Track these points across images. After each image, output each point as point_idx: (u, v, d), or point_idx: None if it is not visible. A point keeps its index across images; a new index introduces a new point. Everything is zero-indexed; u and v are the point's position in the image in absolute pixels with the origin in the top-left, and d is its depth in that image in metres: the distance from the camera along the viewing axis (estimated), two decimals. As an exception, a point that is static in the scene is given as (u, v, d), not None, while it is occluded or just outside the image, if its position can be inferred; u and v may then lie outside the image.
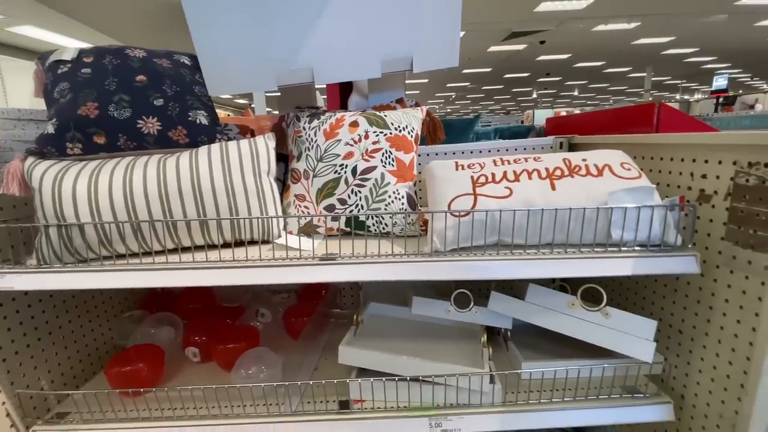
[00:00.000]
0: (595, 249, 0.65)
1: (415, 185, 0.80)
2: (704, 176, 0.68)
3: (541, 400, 0.72)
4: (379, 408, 0.74)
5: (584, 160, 0.70)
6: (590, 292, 0.75)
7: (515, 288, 0.84)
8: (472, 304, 0.86)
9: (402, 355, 0.75)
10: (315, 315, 1.00)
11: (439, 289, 0.91)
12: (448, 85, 12.11)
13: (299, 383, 0.77)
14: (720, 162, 0.65)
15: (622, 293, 0.94)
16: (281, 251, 0.70)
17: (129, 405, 0.77)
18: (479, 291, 0.89)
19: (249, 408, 0.76)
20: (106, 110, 0.72)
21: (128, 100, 0.73)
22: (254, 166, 0.74)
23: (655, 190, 0.64)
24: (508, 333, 0.89)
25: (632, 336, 0.71)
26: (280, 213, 0.77)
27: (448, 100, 15.36)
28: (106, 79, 0.75)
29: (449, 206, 0.66)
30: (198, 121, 0.76)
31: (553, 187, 0.65)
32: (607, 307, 0.73)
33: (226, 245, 0.74)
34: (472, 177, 0.69)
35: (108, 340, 1.02)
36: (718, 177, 0.66)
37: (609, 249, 0.65)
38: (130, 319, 1.04)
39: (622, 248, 0.65)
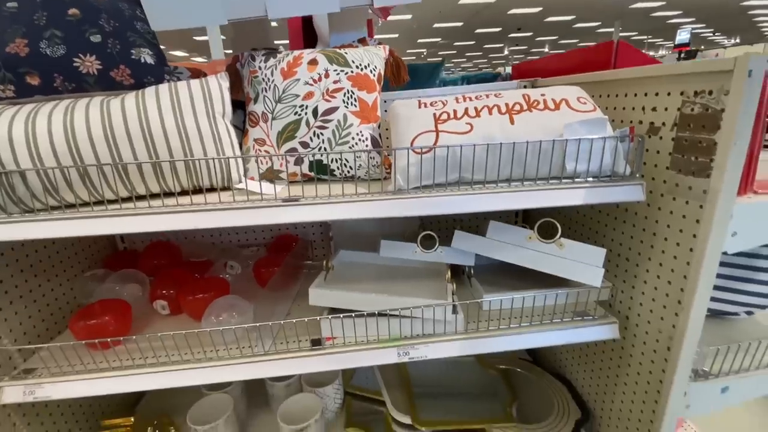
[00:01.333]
0: (550, 181, 0.68)
1: (379, 127, 0.80)
2: (654, 109, 0.71)
3: (500, 327, 0.77)
4: (349, 343, 0.77)
5: (543, 95, 0.71)
6: (546, 226, 0.78)
7: (480, 229, 0.87)
8: (437, 244, 0.89)
9: (370, 293, 0.78)
10: (286, 266, 1.00)
11: (408, 237, 0.93)
12: (419, 40, 11.73)
13: (270, 324, 0.78)
14: (669, 94, 0.67)
15: (575, 226, 1.00)
16: (243, 196, 0.69)
17: (98, 358, 0.77)
18: (447, 237, 0.91)
19: (222, 352, 0.78)
20: (38, 47, 0.66)
21: (61, 36, 0.67)
22: (207, 108, 0.71)
23: (607, 121, 0.66)
24: (471, 271, 0.93)
25: (583, 264, 0.76)
26: (239, 155, 0.74)
27: (419, 57, 14.94)
28: (34, 13, 0.68)
29: (412, 143, 0.66)
30: (143, 60, 0.71)
31: (512, 122, 0.66)
32: (561, 239, 0.77)
33: (183, 193, 0.71)
34: (434, 114, 0.69)
35: (71, 299, 1.00)
36: (666, 109, 0.69)
37: (563, 181, 0.68)
38: (93, 277, 1.01)
39: (576, 179, 0.67)
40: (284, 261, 0.98)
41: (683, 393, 0.72)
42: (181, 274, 0.96)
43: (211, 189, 0.74)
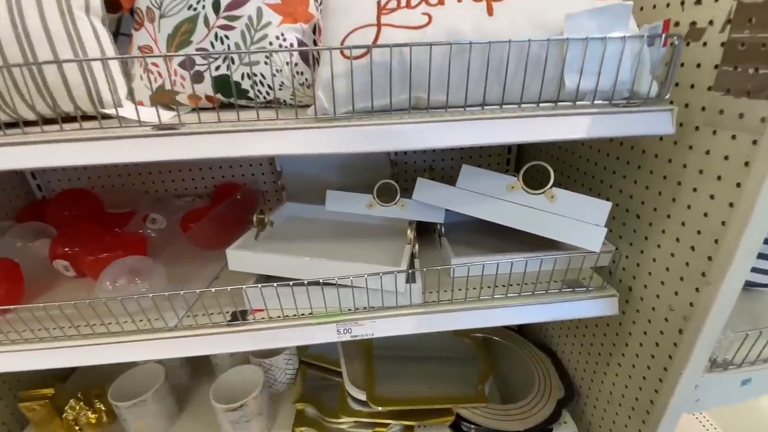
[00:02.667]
0: (541, 105, 0.47)
1: (315, 31, 0.58)
2: (698, 1, 0.49)
3: (467, 299, 0.61)
4: (278, 317, 0.61)
5: (540, -24, 0.48)
6: (534, 172, 0.59)
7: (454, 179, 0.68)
8: (398, 196, 0.71)
9: (303, 257, 0.60)
10: (217, 219, 0.83)
11: (382, 191, 0.73)
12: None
13: (182, 293, 0.62)
14: (726, -27, 0.45)
15: (569, 171, 0.81)
16: (115, 124, 0.49)
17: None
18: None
19: (119, 325, 0.62)
20: None
21: None
22: (60, 0, 0.49)
23: (630, 10, 0.44)
24: (442, 229, 0.75)
25: (580, 222, 0.58)
26: (115, 70, 0.54)
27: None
28: None
29: (342, 43, 0.45)
30: None
31: (491, 12, 0.45)
32: (553, 189, 0.58)
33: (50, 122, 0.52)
34: (378, 2, 0.47)
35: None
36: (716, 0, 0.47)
37: (559, 105, 0.47)
38: (-9, 231, 0.84)
39: (578, 102, 0.47)
40: (213, 213, 0.80)
41: (693, 386, 0.57)
42: (87, 228, 0.78)
43: (85, 117, 0.54)
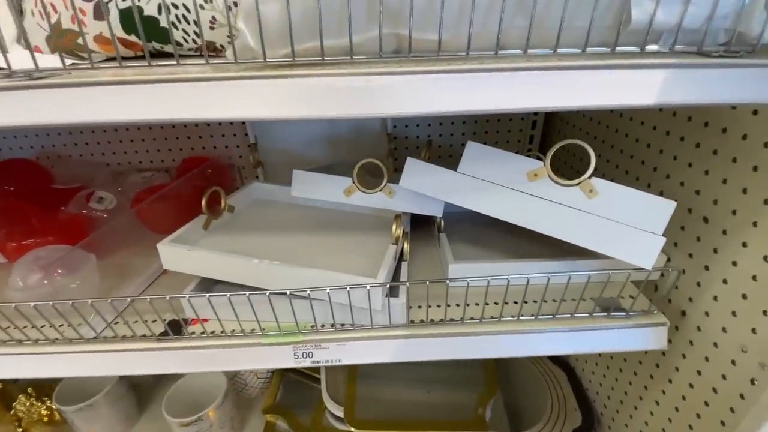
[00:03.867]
0: (588, 51, 0.31)
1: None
2: None
3: (464, 320, 0.46)
4: (218, 334, 0.48)
5: None
6: (567, 155, 0.43)
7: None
8: (384, 180, 0.55)
9: (250, 259, 0.46)
10: (182, 198, 0.69)
11: (366, 173, 0.58)
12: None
13: (110, 301, 0.49)
14: None
15: (611, 156, 0.63)
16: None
17: None
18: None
19: (38, 331, 0.50)
20: None
21: None
22: None
23: None
24: (442, 223, 0.60)
25: (630, 228, 0.42)
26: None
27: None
28: None
29: (277, -51, 0.29)
30: None
31: None
32: (593, 179, 0.42)
33: None
34: None
35: None
36: None
37: (618, 52, 0.30)
38: None
39: (647, 48, 0.30)
40: (167, 190, 0.66)
41: (769, 455, 0.42)
42: (16, 207, 0.66)
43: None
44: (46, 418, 0.80)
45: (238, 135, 0.86)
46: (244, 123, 0.82)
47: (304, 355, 0.47)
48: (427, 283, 0.43)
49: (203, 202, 0.56)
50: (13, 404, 0.79)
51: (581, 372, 0.79)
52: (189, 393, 0.73)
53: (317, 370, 0.81)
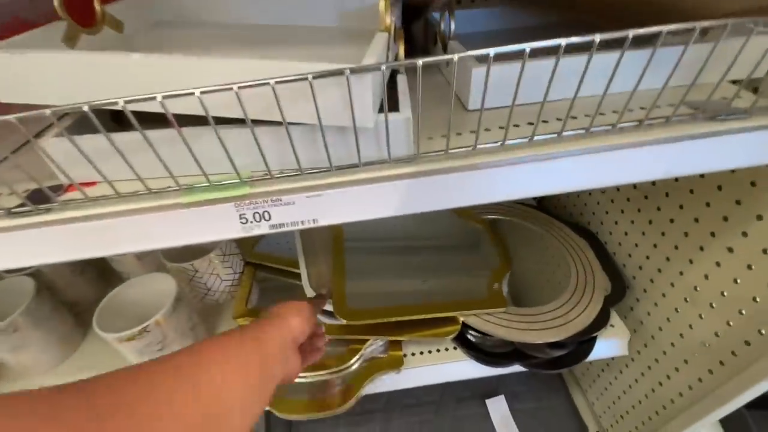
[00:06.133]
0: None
1: None
2: None
3: (487, 143, 0.29)
4: (109, 199, 0.29)
5: None
6: None
7: None
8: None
9: (131, 54, 0.26)
10: None
11: None
12: None
13: None
14: None
15: None
16: None
17: None
18: None
19: None
20: None
21: None
22: None
23: None
24: (452, 24, 0.39)
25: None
26: None
27: None
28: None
29: None
30: None
31: None
32: None
33: None
34: None
35: None
36: None
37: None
38: None
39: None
40: None
41: None
42: None
43: None
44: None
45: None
46: None
47: (256, 218, 0.30)
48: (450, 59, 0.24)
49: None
50: None
51: (608, 236, 0.68)
52: (134, 305, 0.58)
53: (294, 264, 0.67)
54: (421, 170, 0.29)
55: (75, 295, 0.68)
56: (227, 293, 0.69)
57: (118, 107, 0.24)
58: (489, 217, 0.75)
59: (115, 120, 0.32)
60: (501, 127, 0.32)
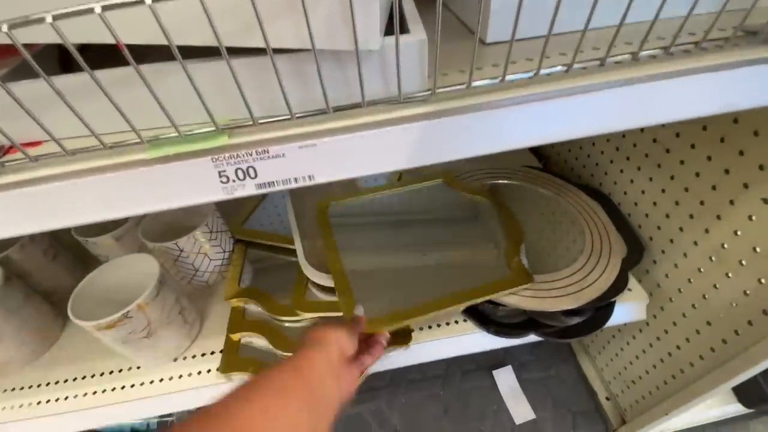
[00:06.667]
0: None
1: None
2: None
3: (516, 74, 0.24)
4: (59, 154, 0.24)
5: None
6: None
7: None
8: None
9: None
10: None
11: None
12: None
13: None
14: None
15: None
16: None
17: None
18: None
19: None
20: None
21: None
22: None
23: None
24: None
25: None
26: None
27: None
28: None
29: None
30: None
31: None
32: None
33: None
34: None
35: None
36: None
37: None
38: None
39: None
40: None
41: None
42: None
43: None
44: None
45: None
46: None
47: (240, 175, 0.24)
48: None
49: None
50: None
51: (622, 197, 0.64)
52: (115, 291, 0.53)
53: (288, 241, 0.62)
54: (439, 110, 0.24)
55: (50, 282, 0.62)
56: (217, 273, 0.64)
57: (47, 22, 0.18)
58: (493, 182, 0.71)
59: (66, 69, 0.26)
60: (528, 59, 0.27)
